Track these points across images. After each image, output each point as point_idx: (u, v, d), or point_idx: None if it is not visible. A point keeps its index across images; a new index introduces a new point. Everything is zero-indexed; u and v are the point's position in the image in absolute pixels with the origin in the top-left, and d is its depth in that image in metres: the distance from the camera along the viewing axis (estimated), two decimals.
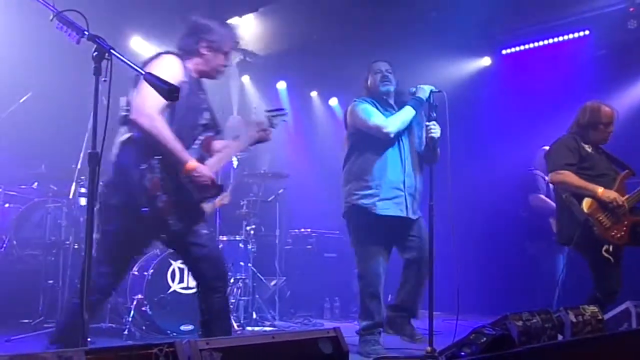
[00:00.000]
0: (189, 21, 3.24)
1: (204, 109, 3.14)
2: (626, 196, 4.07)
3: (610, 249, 4.02)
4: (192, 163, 2.92)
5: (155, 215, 2.86)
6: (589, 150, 4.22)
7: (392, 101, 4.38)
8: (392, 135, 4.15)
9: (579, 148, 4.20)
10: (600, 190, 4.02)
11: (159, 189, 2.84)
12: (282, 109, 3.58)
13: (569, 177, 4.09)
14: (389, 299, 4.66)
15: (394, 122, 4.16)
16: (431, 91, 4.13)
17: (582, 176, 4.11)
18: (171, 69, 2.95)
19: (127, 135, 2.91)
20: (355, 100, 4.36)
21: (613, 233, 4.00)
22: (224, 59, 3.24)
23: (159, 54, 3.05)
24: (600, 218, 4.00)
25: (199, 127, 3.10)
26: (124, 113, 2.95)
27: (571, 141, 4.24)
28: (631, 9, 6.22)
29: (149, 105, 2.82)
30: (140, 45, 6.93)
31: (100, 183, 2.87)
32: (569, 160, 4.15)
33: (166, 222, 2.89)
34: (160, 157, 2.85)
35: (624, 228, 4.02)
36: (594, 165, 4.18)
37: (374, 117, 4.19)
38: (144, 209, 2.82)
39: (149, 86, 2.76)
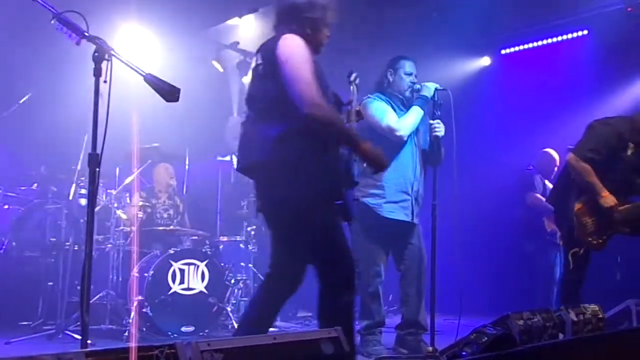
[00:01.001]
0: (284, 3, 2.97)
1: (327, 86, 2.98)
2: (624, 206, 3.97)
3: (581, 252, 3.97)
4: (364, 142, 2.80)
5: (346, 204, 2.76)
6: (629, 152, 3.99)
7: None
8: (405, 139, 4.10)
9: (618, 147, 3.98)
10: (604, 193, 3.92)
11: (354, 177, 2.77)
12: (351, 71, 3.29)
13: (585, 170, 3.94)
14: (390, 298, 4.68)
15: (406, 125, 4.07)
16: (436, 89, 4.07)
17: (599, 172, 3.95)
18: (304, 48, 2.73)
19: (284, 129, 2.66)
20: (368, 97, 4.23)
21: (590, 239, 3.96)
22: (327, 31, 3.00)
23: (281, 35, 2.78)
24: (585, 222, 3.95)
25: (335, 106, 2.96)
26: (265, 106, 2.74)
27: (615, 136, 3.99)
28: (629, 9, 6.22)
29: (316, 93, 2.64)
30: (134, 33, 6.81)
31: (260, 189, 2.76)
32: (597, 155, 3.95)
33: (349, 209, 2.79)
34: (341, 144, 2.74)
35: (604, 237, 3.98)
36: (620, 172, 4.01)
37: (387, 117, 4.09)
38: (338, 202, 2.72)
39: (297, 72, 2.63)
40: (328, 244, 2.74)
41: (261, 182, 2.81)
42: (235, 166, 2.93)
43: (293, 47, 2.71)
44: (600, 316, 3.30)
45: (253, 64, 2.83)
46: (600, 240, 3.97)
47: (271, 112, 2.71)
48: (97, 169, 2.33)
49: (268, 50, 2.75)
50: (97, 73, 2.32)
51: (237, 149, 2.89)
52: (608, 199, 3.92)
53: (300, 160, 2.66)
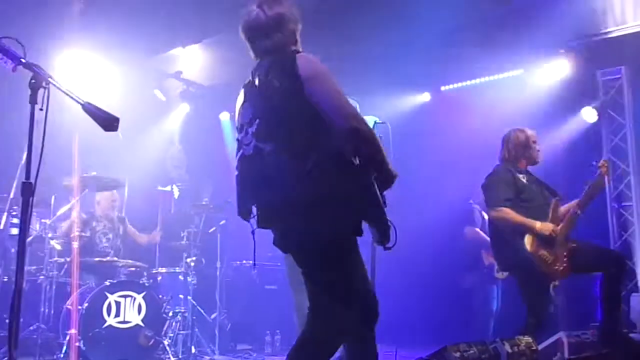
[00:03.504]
0: (270, 18, 2.65)
1: None
2: (560, 225, 4.16)
3: (557, 283, 4.12)
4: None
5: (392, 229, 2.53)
6: (524, 180, 4.31)
7: None
8: None
9: (515, 180, 4.28)
10: (538, 225, 4.10)
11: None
12: None
13: (509, 213, 4.16)
14: None
15: None
16: (375, 122, 4.13)
17: (520, 209, 4.18)
18: (323, 65, 2.55)
19: (317, 159, 2.37)
20: None
21: (556, 267, 4.09)
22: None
23: (297, 53, 2.58)
24: (542, 254, 4.08)
25: None
26: (291, 133, 2.43)
27: (507, 174, 4.32)
28: (561, 51, 6.54)
29: (352, 107, 2.45)
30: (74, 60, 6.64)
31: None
32: (507, 195, 4.22)
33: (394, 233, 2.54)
34: (376, 163, 2.44)
35: (564, 259, 4.12)
36: (530, 197, 4.26)
37: None
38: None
39: (330, 86, 2.47)
40: (355, 282, 2.50)
41: (294, 221, 2.46)
42: (258, 213, 2.58)
43: (314, 63, 2.52)
44: (534, 348, 3.39)
45: (261, 91, 2.53)
46: (565, 265, 4.10)
47: (299, 140, 2.41)
48: (32, 198, 2.27)
49: (284, 71, 2.48)
50: (33, 100, 2.27)
51: (249, 189, 2.57)
52: (544, 227, 4.10)
53: (336, 193, 2.38)
